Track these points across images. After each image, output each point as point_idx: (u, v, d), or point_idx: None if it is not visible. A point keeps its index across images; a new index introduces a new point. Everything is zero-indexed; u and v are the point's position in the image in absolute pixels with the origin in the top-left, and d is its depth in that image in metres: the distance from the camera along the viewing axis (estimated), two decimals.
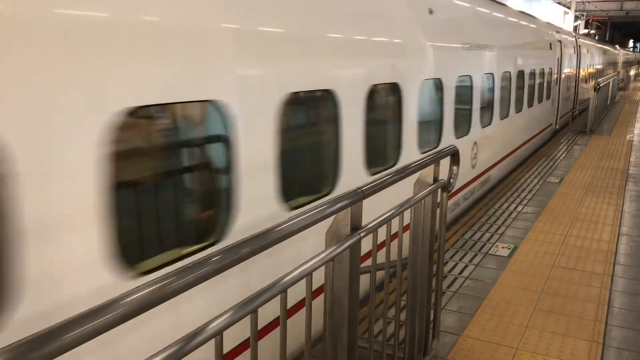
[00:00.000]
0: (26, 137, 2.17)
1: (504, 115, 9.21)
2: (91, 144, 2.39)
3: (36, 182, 2.20)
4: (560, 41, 14.54)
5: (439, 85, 6.24)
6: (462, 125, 7.17)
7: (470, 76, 7.39)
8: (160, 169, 3.02)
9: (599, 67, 26.52)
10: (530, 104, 11.11)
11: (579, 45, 18.62)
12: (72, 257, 2.37)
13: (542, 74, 12.12)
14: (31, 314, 2.19)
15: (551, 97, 13.73)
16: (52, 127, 2.26)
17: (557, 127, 15.18)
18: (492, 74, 8.23)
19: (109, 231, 2.48)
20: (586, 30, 40.56)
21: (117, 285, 2.47)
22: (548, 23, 14.80)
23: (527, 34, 11.43)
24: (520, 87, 10.06)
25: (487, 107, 8.24)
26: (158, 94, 2.72)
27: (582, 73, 19.84)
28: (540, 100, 12.16)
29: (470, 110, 7.52)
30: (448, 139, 6.47)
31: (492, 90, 8.39)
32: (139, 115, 2.65)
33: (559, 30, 15.18)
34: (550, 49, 13.30)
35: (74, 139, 2.34)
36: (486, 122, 8.22)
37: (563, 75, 15.34)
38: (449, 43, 6.77)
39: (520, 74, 9.98)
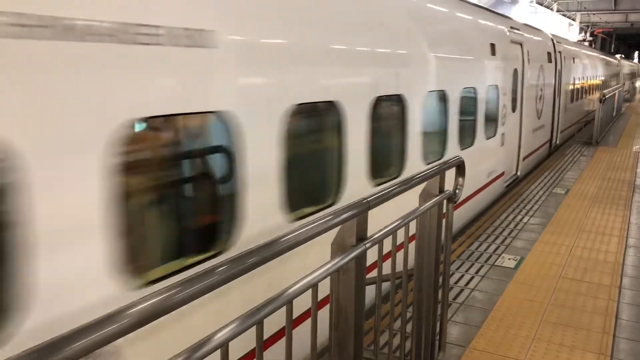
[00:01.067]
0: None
1: (350, 186, 4.30)
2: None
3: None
4: (520, 44, 9.48)
5: None
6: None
7: (222, 114, 3.09)
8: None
9: (594, 81, 21.11)
10: (436, 155, 6.01)
11: (560, 52, 13.50)
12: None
13: (471, 98, 7.09)
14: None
15: (500, 133, 8.46)
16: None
17: (518, 173, 10.07)
18: (309, 102, 3.88)
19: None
20: (581, 37, 40.25)
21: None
22: (495, 14, 9.31)
23: (426, 28, 5.93)
24: (396, 128, 5.17)
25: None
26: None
27: (565, 90, 14.68)
28: (468, 143, 7.02)
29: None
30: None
31: (314, 139, 4.27)
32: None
33: (514, 27, 9.40)
34: (494, 54, 7.91)
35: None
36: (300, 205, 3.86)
37: (529, 96, 10.22)
38: None
39: (397, 103, 5.09)
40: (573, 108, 16.63)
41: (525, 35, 10.06)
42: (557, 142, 14.23)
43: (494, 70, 8.05)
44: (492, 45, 7.92)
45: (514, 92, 9.24)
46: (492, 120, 8.03)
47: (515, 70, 9.20)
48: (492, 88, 7.94)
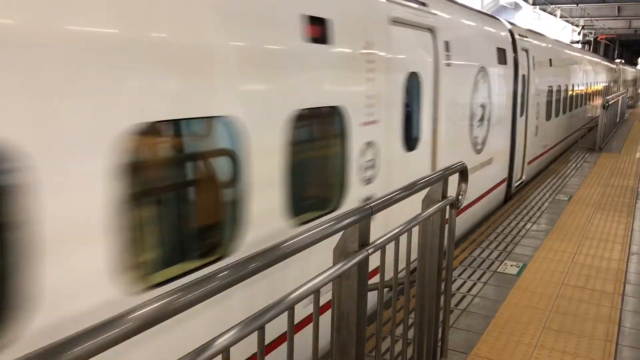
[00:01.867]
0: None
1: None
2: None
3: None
4: (430, 30, 5.68)
5: None
6: None
7: None
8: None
9: (585, 89, 16.99)
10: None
11: (525, 50, 9.53)
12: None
13: (228, 142, 3.15)
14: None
15: (358, 199, 4.31)
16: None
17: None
18: None
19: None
20: (578, 38, 40.02)
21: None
22: None
23: None
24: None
25: None
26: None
27: (537, 104, 10.63)
28: (225, 249, 3.12)
29: None
30: None
31: None
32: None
33: None
34: (325, 41, 3.81)
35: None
36: None
37: (451, 119, 6.28)
38: None
39: None
40: (552, 127, 12.59)
41: (443, 16, 6.07)
42: (524, 177, 10.19)
43: (330, 76, 4.01)
44: (318, 23, 3.80)
45: (410, 115, 5.36)
46: (328, 181, 4.23)
47: (414, 77, 5.36)
48: (326, 112, 4.06)
